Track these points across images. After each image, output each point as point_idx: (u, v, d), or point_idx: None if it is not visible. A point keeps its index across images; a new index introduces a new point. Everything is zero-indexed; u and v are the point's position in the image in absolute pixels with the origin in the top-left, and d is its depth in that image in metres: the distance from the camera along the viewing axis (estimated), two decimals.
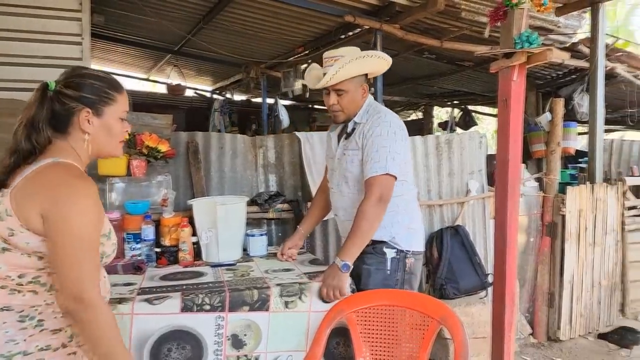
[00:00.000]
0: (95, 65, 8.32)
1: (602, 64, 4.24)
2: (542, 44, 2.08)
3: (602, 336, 3.73)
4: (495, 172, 2.30)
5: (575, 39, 4.94)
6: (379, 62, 2.36)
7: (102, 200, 2.91)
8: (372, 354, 2.02)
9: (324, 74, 2.24)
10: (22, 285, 1.33)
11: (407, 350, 2.00)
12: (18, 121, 1.38)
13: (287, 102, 8.71)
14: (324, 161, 2.68)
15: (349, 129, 2.33)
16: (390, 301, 2.07)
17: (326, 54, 2.30)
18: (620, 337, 3.64)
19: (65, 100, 1.37)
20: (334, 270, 2.16)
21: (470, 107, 8.78)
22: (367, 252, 2.30)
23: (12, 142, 1.37)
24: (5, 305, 1.32)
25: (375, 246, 2.33)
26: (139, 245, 2.59)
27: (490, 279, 3.30)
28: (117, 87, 1.47)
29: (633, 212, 4.33)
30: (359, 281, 2.36)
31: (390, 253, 2.31)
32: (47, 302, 1.36)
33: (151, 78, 9.36)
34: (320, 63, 2.39)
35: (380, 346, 2.04)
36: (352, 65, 2.21)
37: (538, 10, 2.02)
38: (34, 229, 1.29)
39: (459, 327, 1.89)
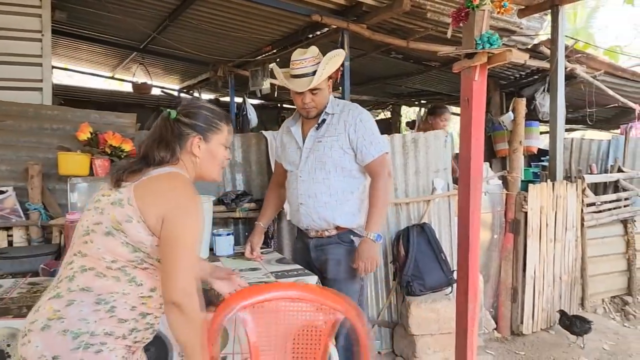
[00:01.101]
0: (58, 62, 8.12)
1: (562, 65, 4.36)
2: (504, 44, 2.13)
3: (560, 320, 3.82)
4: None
5: (537, 41, 5.07)
6: (341, 58, 2.52)
7: (63, 201, 2.87)
8: (267, 351, 1.88)
9: (307, 74, 2.40)
10: (110, 269, 1.46)
11: (306, 345, 1.91)
12: (149, 136, 1.62)
13: (256, 102, 8.66)
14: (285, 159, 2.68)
15: (319, 120, 2.49)
16: (285, 293, 1.92)
17: (297, 57, 2.43)
18: (570, 323, 3.74)
19: (181, 127, 1.59)
20: (369, 244, 2.39)
21: None
22: (330, 243, 2.49)
23: (140, 151, 1.60)
24: (87, 286, 1.44)
25: (341, 235, 2.49)
26: None
27: (455, 275, 3.36)
28: (224, 119, 1.68)
29: (592, 208, 4.46)
30: (325, 272, 2.48)
31: (357, 241, 2.48)
32: (125, 291, 1.47)
33: (117, 76, 9.17)
34: (287, 63, 2.51)
35: (276, 342, 1.90)
36: (329, 66, 2.41)
37: (498, 12, 2.06)
38: (149, 223, 1.45)
39: (360, 317, 1.84)
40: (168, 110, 1.62)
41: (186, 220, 1.46)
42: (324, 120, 2.49)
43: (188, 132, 1.60)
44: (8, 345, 1.84)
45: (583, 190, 4.34)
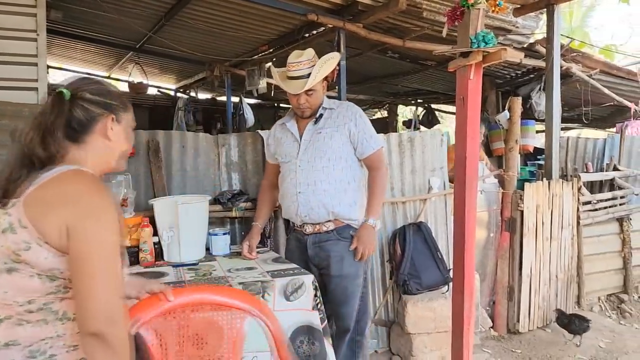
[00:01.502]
0: (53, 62, 8.10)
1: (558, 64, 4.38)
2: (500, 43, 2.13)
3: (557, 318, 3.82)
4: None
5: (532, 40, 5.08)
6: (336, 61, 2.63)
7: None
8: None
9: (302, 76, 2.49)
10: (31, 312, 1.17)
11: (216, 348, 1.79)
12: (27, 128, 1.27)
13: (252, 101, 8.66)
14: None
15: (317, 114, 2.60)
16: (190, 299, 1.73)
17: (293, 60, 2.53)
18: (569, 321, 3.73)
19: (88, 107, 1.29)
20: (368, 229, 2.52)
21: (433, 106, 8.92)
22: (329, 239, 2.55)
23: (20, 150, 1.26)
24: (11, 340, 1.16)
25: (339, 230, 2.56)
26: None
27: (452, 274, 3.36)
28: (126, 95, 1.47)
29: (588, 207, 4.48)
30: (326, 269, 2.54)
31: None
32: (59, 333, 1.21)
33: (113, 76, 9.16)
34: (284, 62, 2.59)
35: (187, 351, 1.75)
36: (323, 68, 2.52)
37: (493, 11, 2.07)
38: (53, 243, 1.16)
39: (271, 314, 1.76)
40: (60, 89, 1.29)
41: (98, 228, 1.17)
42: (321, 115, 2.60)
43: (99, 112, 1.30)
44: None
45: (579, 189, 4.35)
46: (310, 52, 2.56)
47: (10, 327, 1.17)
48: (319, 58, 2.56)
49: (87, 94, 1.30)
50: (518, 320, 3.96)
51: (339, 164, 2.55)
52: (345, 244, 2.54)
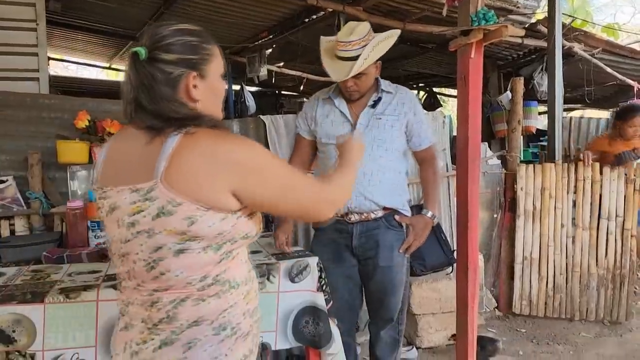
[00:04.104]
0: (54, 54, 8.09)
1: (560, 43, 4.34)
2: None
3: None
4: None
5: (534, 20, 5.04)
6: (393, 40, 2.35)
7: (64, 190, 2.88)
8: None
9: (350, 58, 2.20)
10: (207, 288, 1.15)
11: None
12: (124, 99, 1.16)
13: (254, 89, 8.65)
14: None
15: (375, 98, 2.36)
16: None
17: (343, 37, 2.23)
18: (480, 347, 3.12)
19: (164, 68, 1.13)
20: (427, 222, 2.45)
21: (435, 89, 8.89)
22: (378, 227, 2.37)
23: (136, 122, 1.15)
24: (199, 317, 1.14)
25: (387, 217, 2.39)
26: (103, 233, 2.56)
27: (456, 255, 3.38)
28: (209, 39, 1.23)
29: None
30: (373, 258, 2.40)
31: (406, 214, 2.48)
32: (234, 302, 1.20)
33: (114, 66, 9.15)
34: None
35: None
36: (377, 50, 2.23)
37: None
38: (214, 204, 1.09)
39: None
40: (134, 49, 1.14)
41: (263, 161, 1.15)
42: (379, 98, 2.36)
43: (178, 73, 1.15)
44: (13, 331, 1.87)
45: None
46: (364, 27, 2.24)
47: (194, 305, 1.15)
48: (375, 34, 2.27)
49: (161, 53, 1.14)
50: (512, 301, 3.92)
51: (394, 154, 2.37)
52: (394, 233, 2.41)
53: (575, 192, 3.84)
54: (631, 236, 3.81)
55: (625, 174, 3.79)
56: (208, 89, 1.21)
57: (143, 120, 1.13)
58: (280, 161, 1.22)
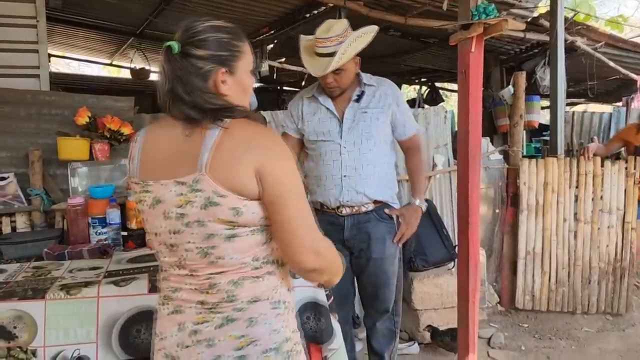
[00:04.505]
0: (55, 51, 8.08)
1: (562, 38, 4.31)
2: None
3: (432, 337, 3.24)
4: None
5: (536, 14, 5.01)
6: (370, 36, 2.37)
7: (64, 186, 2.88)
8: None
9: (328, 54, 2.22)
10: (257, 269, 1.21)
11: None
12: (172, 91, 1.18)
13: (256, 85, 8.62)
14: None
15: (358, 92, 2.40)
16: None
17: (321, 34, 2.26)
18: (451, 338, 3.12)
19: (195, 63, 1.17)
20: (417, 212, 2.47)
21: (437, 84, 8.86)
22: (369, 220, 2.41)
23: (176, 113, 1.18)
24: (255, 297, 1.20)
25: (377, 210, 2.43)
26: (104, 230, 2.57)
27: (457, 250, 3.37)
28: (241, 36, 1.26)
29: None
30: (365, 251, 2.42)
31: (395, 207, 2.50)
32: (280, 281, 1.26)
33: (115, 63, 9.14)
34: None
35: None
36: (354, 46, 2.26)
37: None
38: (252, 194, 1.14)
39: None
40: (167, 43, 1.18)
41: (287, 163, 1.17)
42: (362, 92, 2.40)
43: (208, 69, 1.18)
44: (15, 327, 1.87)
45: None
46: (341, 24, 2.27)
47: (252, 283, 1.20)
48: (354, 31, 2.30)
49: (193, 49, 1.17)
50: (515, 296, 3.92)
51: (382, 147, 2.42)
52: (385, 225, 2.44)
53: (577, 187, 3.84)
54: (631, 229, 3.82)
55: (626, 168, 3.80)
56: (237, 85, 1.24)
57: (181, 111, 1.17)
58: (299, 173, 1.20)
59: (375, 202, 2.41)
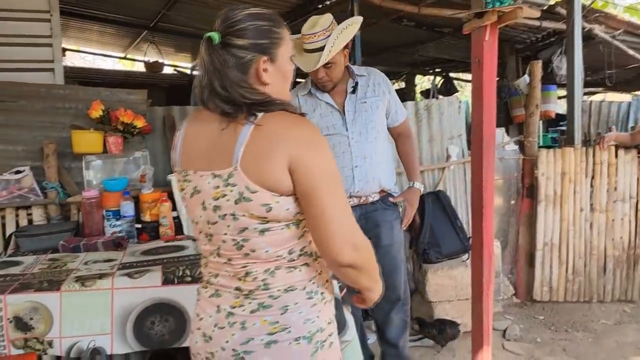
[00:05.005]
0: (70, 45, 8.14)
1: (579, 25, 4.23)
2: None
3: (420, 328, 3.19)
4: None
5: (552, 1, 4.91)
6: (356, 27, 2.38)
7: (79, 179, 2.90)
8: None
9: (317, 49, 2.26)
10: (294, 261, 1.21)
11: None
12: (199, 82, 1.18)
13: None
14: None
15: (352, 83, 2.46)
16: None
17: (307, 30, 2.29)
18: (438, 330, 3.12)
19: (236, 53, 1.16)
20: (417, 194, 2.61)
21: (451, 75, 8.77)
22: (376, 210, 2.49)
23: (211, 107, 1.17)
24: (289, 286, 1.21)
25: (383, 199, 2.52)
26: (119, 222, 2.59)
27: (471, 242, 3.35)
28: (280, 23, 1.25)
29: None
30: (375, 239, 2.42)
31: (400, 205, 2.60)
32: (318, 271, 1.26)
33: (129, 56, 9.19)
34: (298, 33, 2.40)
35: None
36: (341, 38, 2.28)
37: None
38: (285, 190, 1.13)
39: None
40: (207, 34, 1.18)
41: (324, 155, 1.14)
42: (356, 83, 2.46)
43: (249, 58, 1.17)
44: (31, 319, 1.90)
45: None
46: (326, 19, 2.30)
47: (287, 272, 1.20)
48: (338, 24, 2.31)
49: (234, 38, 1.17)
50: (533, 288, 3.89)
51: (382, 134, 2.51)
52: (391, 212, 2.53)
53: (593, 176, 3.84)
54: None
55: (638, 156, 3.80)
56: (278, 72, 1.23)
57: (217, 105, 1.17)
58: (334, 165, 1.17)
59: (380, 191, 2.50)
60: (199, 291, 1.35)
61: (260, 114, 1.14)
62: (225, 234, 1.19)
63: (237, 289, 1.22)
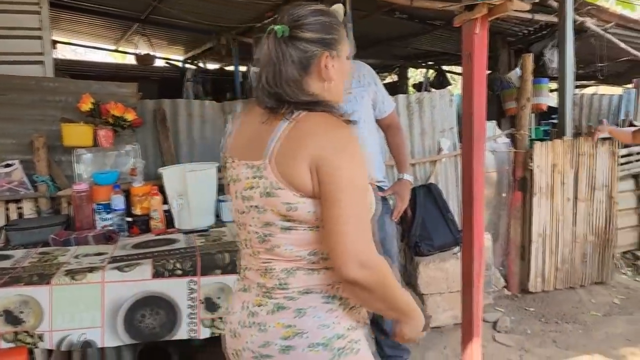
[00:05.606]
0: (61, 37, 8.07)
1: (571, 18, 4.23)
2: None
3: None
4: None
5: None
6: (340, 14, 2.38)
7: (69, 173, 2.89)
8: None
9: None
10: (314, 263, 1.17)
11: None
12: (258, 74, 1.18)
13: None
14: None
15: None
16: None
17: None
18: None
19: (302, 46, 1.16)
20: (407, 186, 2.58)
21: (444, 68, 8.76)
22: None
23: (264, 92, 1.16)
24: (307, 289, 1.17)
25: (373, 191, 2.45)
26: (109, 216, 2.58)
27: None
28: (339, 21, 1.25)
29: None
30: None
31: (390, 198, 2.58)
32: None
33: (120, 49, 9.13)
34: None
35: None
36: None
37: None
38: (308, 191, 1.10)
39: None
40: (273, 27, 1.17)
41: (349, 161, 1.10)
42: None
43: (314, 50, 1.17)
44: (21, 312, 1.90)
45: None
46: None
47: (305, 274, 1.18)
48: None
49: (301, 32, 1.17)
50: (528, 280, 3.95)
51: (369, 126, 2.49)
52: (381, 205, 2.51)
53: (578, 168, 4.01)
54: (615, 203, 4.14)
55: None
56: (340, 69, 1.23)
57: (262, 98, 1.18)
58: (363, 174, 1.13)
59: (370, 184, 2.44)
60: (235, 283, 1.37)
61: (301, 112, 1.13)
62: (251, 225, 1.20)
63: (259, 285, 1.22)
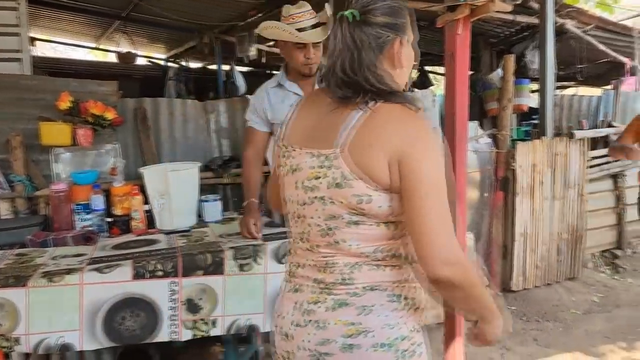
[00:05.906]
0: (40, 35, 7.94)
1: (552, 20, 4.29)
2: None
3: None
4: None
5: None
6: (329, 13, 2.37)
7: (47, 172, 2.84)
8: None
9: (314, 26, 2.23)
10: (378, 260, 1.13)
11: None
12: (334, 66, 1.13)
13: (244, 69, 8.54)
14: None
15: (320, 74, 2.39)
16: None
17: (297, 10, 2.27)
18: None
19: (375, 31, 1.12)
20: None
21: (427, 68, 8.81)
22: None
23: (335, 80, 1.13)
24: (372, 285, 1.13)
25: None
26: (89, 216, 2.54)
27: None
28: (406, 6, 1.19)
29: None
30: None
31: None
32: (406, 276, 1.17)
33: (101, 47, 9.01)
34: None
35: None
36: (330, 17, 2.25)
37: None
38: (383, 184, 1.06)
39: None
40: (343, 12, 1.13)
41: (434, 157, 1.06)
42: None
43: (388, 36, 1.13)
44: None
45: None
46: (306, 3, 2.32)
47: (370, 270, 1.14)
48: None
49: (372, 16, 1.12)
50: (511, 279, 3.99)
51: None
52: None
53: (554, 167, 4.13)
54: (585, 201, 4.32)
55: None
56: (409, 54, 1.19)
57: (335, 87, 1.14)
58: (442, 170, 1.08)
59: None
60: (281, 286, 1.30)
61: (377, 102, 1.09)
62: (313, 217, 1.15)
63: (316, 280, 1.17)
